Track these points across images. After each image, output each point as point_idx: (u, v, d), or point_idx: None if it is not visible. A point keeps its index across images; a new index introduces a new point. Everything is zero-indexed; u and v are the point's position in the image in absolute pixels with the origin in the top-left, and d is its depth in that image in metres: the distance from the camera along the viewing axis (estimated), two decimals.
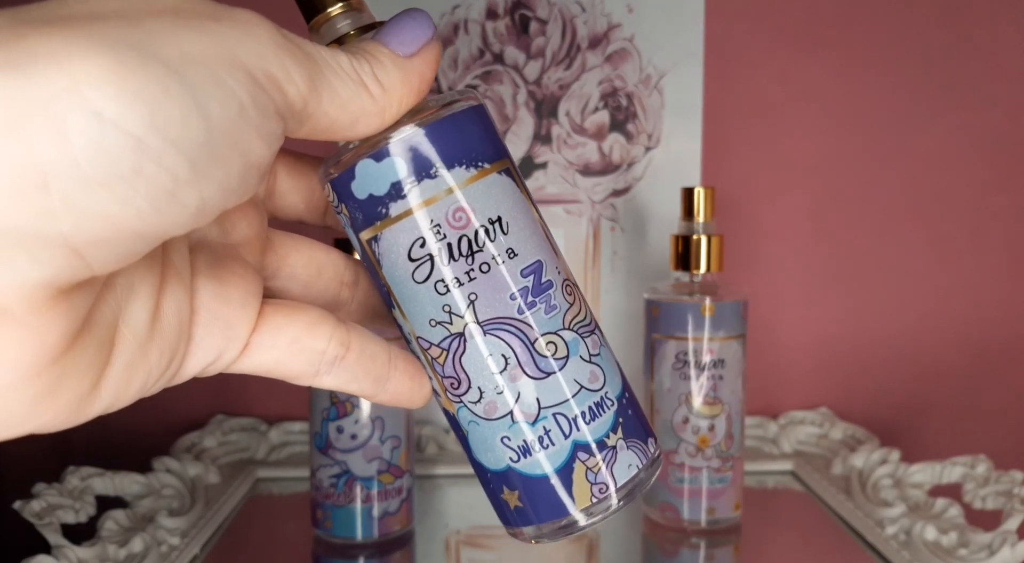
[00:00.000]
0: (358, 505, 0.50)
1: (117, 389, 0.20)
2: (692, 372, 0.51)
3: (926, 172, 0.70)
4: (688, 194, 0.53)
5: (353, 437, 0.50)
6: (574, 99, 0.67)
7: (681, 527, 0.53)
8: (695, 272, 0.53)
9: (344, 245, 0.49)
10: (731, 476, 0.53)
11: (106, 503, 0.53)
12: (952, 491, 0.56)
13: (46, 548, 0.46)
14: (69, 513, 0.50)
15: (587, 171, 0.68)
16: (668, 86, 0.67)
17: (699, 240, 0.52)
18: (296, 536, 0.54)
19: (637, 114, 0.67)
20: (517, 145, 0.67)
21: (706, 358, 0.51)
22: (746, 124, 0.70)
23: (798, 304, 0.71)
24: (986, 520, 0.52)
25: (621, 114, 0.67)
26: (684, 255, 0.53)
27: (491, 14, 0.67)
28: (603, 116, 0.67)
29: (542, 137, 0.67)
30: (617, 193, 0.68)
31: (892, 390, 0.72)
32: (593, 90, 0.67)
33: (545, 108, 0.67)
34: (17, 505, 0.49)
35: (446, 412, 0.26)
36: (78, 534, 0.49)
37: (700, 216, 0.53)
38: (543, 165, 0.68)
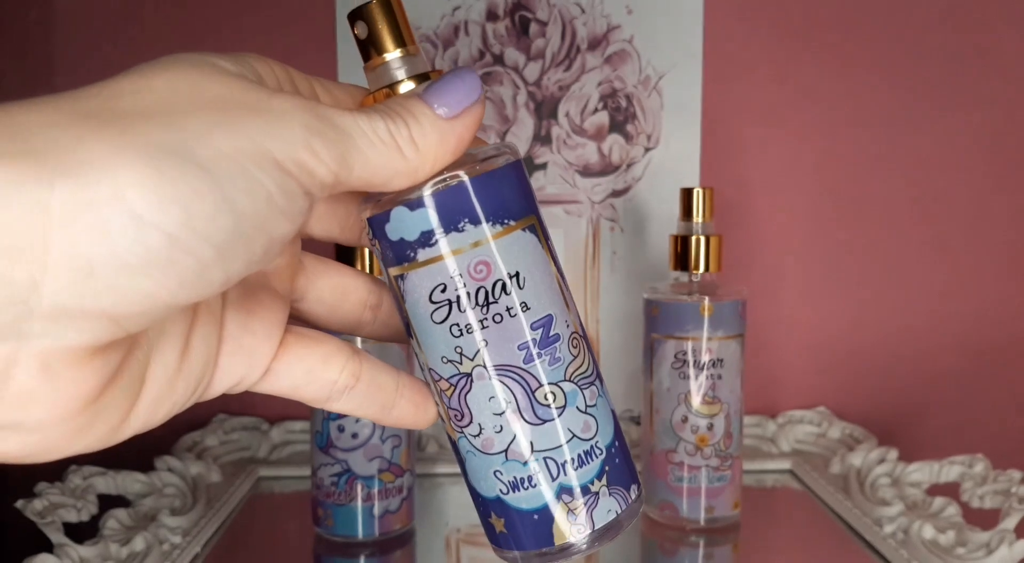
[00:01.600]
0: (359, 504, 0.50)
1: (147, 417, 0.22)
2: (691, 371, 0.52)
3: (925, 172, 0.71)
4: (687, 194, 0.53)
5: (354, 436, 0.50)
6: (574, 100, 0.67)
7: (680, 526, 0.53)
8: (694, 272, 0.53)
9: (346, 251, 0.50)
10: (730, 475, 0.53)
11: (108, 502, 0.54)
12: (950, 490, 0.56)
13: (48, 547, 0.46)
14: (71, 512, 0.50)
15: (587, 171, 0.68)
16: (667, 87, 0.67)
17: (698, 240, 0.52)
18: (297, 534, 0.54)
19: (636, 115, 0.68)
20: (517, 145, 0.67)
21: (705, 357, 0.51)
22: (745, 125, 0.70)
23: (796, 304, 0.71)
24: (984, 519, 0.52)
25: (620, 115, 0.68)
26: (683, 255, 0.53)
27: (491, 15, 0.67)
28: (603, 117, 0.68)
29: (542, 138, 0.68)
30: (616, 193, 0.68)
31: (890, 389, 0.72)
32: (593, 91, 0.67)
33: (545, 109, 0.67)
34: (19, 504, 0.49)
35: (449, 437, 0.28)
36: (80, 533, 0.49)
37: (699, 216, 0.53)
38: (543, 166, 0.68)
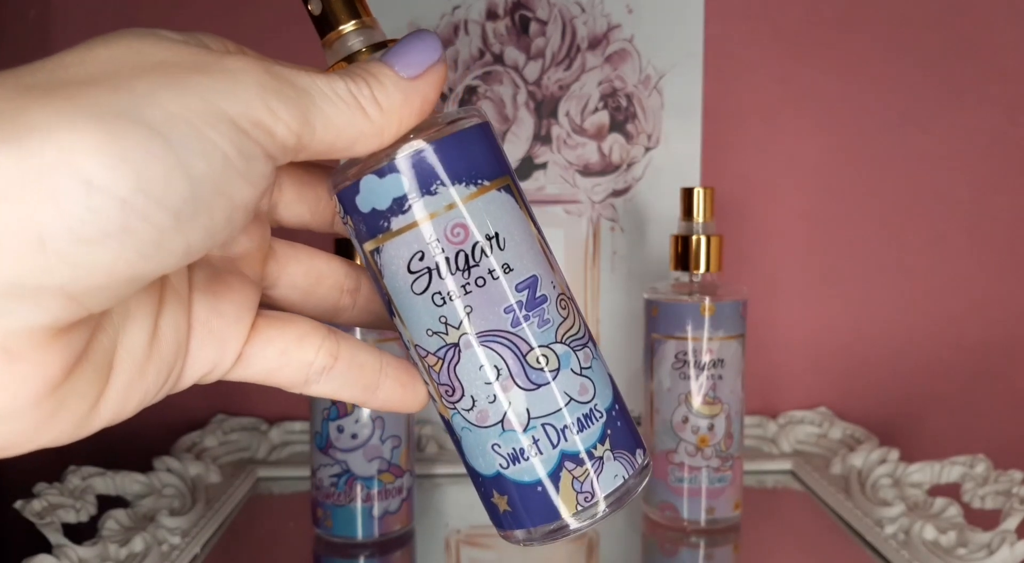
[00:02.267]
0: (358, 504, 0.50)
1: (117, 407, 0.21)
2: (691, 372, 0.51)
3: (925, 172, 0.71)
4: (687, 194, 0.53)
5: (353, 436, 0.50)
6: (574, 99, 0.67)
7: (681, 526, 0.53)
8: (694, 272, 0.53)
9: (346, 244, 0.50)
10: (730, 476, 0.53)
11: (107, 502, 0.54)
12: (951, 490, 0.56)
13: (47, 548, 0.46)
14: (70, 512, 0.50)
15: (587, 171, 0.68)
16: (668, 86, 0.67)
17: (699, 240, 0.52)
18: (296, 535, 0.54)
19: (637, 114, 0.67)
20: (517, 145, 0.67)
21: (705, 358, 0.51)
22: (745, 124, 0.70)
23: (797, 304, 0.71)
24: (985, 519, 0.52)
25: (621, 114, 0.67)
26: (683, 255, 0.53)
27: (491, 15, 0.67)
28: (603, 116, 0.67)
29: (542, 137, 0.67)
30: (617, 193, 0.68)
31: (891, 390, 0.72)
32: (593, 90, 0.67)
33: (545, 108, 0.67)
34: (18, 505, 0.49)
35: (442, 417, 0.27)
36: (79, 533, 0.49)
37: (699, 216, 0.53)
38: (543, 165, 0.68)
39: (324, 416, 0.50)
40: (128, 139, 0.17)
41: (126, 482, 0.55)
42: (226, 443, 0.65)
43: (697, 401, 0.52)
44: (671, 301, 0.52)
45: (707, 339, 0.51)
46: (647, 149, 0.68)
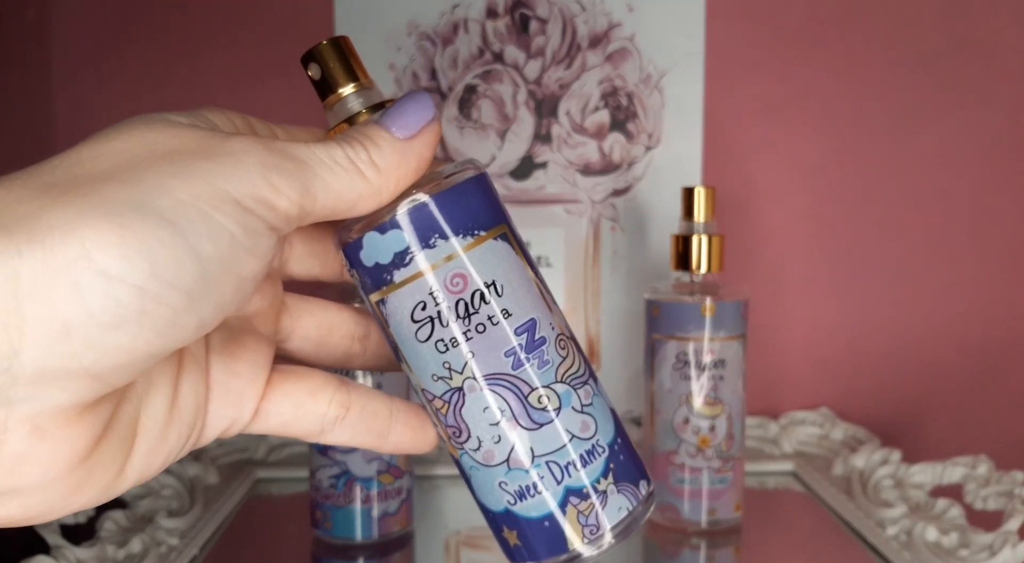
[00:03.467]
0: (358, 506, 0.50)
1: (141, 470, 0.23)
2: (693, 372, 0.51)
3: (926, 172, 0.70)
4: (688, 194, 0.53)
5: None
6: (574, 98, 0.67)
7: (682, 528, 0.53)
8: (695, 272, 0.52)
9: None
10: (732, 477, 0.52)
11: (105, 503, 0.53)
12: (953, 491, 0.56)
13: (45, 548, 0.46)
14: None
15: (587, 171, 0.68)
16: (669, 85, 0.67)
17: (699, 240, 0.52)
18: (295, 537, 0.54)
19: (637, 113, 0.67)
20: (517, 145, 0.67)
21: (707, 358, 0.51)
22: (747, 124, 0.69)
23: (799, 304, 0.71)
24: (987, 521, 0.52)
25: (621, 113, 0.67)
26: (684, 255, 0.53)
27: (491, 13, 0.66)
28: (603, 115, 0.67)
29: (542, 136, 0.67)
30: (617, 193, 0.68)
31: (893, 390, 0.72)
32: (593, 89, 0.67)
33: (545, 107, 0.67)
34: None
35: (452, 456, 0.28)
36: (77, 534, 0.49)
37: (700, 216, 0.53)
38: (543, 165, 0.67)
39: None
40: (141, 230, 0.19)
41: None
42: (225, 444, 0.65)
43: (698, 402, 0.51)
44: (672, 301, 0.52)
45: (708, 339, 0.51)
46: (648, 148, 0.67)
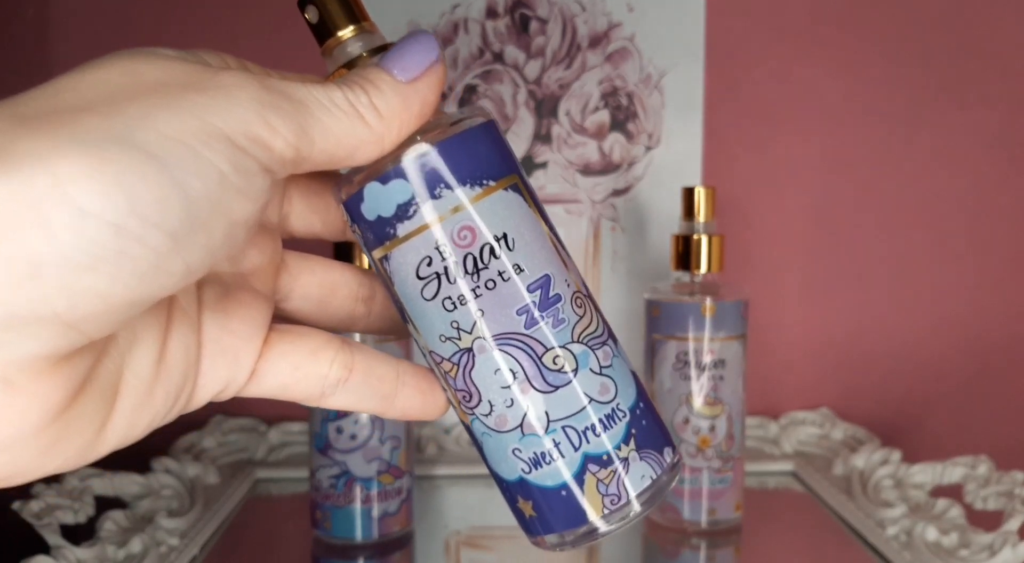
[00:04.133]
0: (357, 506, 0.50)
1: (124, 431, 0.21)
2: (693, 372, 0.51)
3: (927, 171, 0.70)
4: (689, 194, 0.53)
5: (352, 437, 0.49)
6: (574, 98, 0.67)
7: (682, 528, 0.53)
8: (695, 272, 0.52)
9: (345, 249, 0.49)
10: (732, 477, 0.52)
11: (105, 503, 0.53)
12: (953, 491, 0.56)
13: (45, 549, 0.46)
14: (68, 513, 0.50)
15: (587, 171, 0.68)
16: (669, 85, 0.67)
17: (699, 240, 0.52)
18: (295, 537, 0.54)
19: (638, 113, 0.67)
20: (517, 145, 0.67)
21: (707, 358, 0.51)
22: (747, 123, 0.69)
23: (799, 304, 0.71)
24: (987, 521, 0.52)
25: (621, 113, 0.67)
26: (684, 255, 0.52)
27: (491, 13, 0.66)
28: (603, 115, 0.67)
29: (542, 136, 0.67)
30: (617, 193, 0.68)
31: (893, 390, 0.72)
32: (593, 89, 0.67)
33: (545, 107, 0.67)
34: (16, 505, 0.49)
35: (463, 422, 0.26)
36: (77, 534, 0.49)
37: (701, 216, 0.53)
38: (543, 165, 0.67)
39: (323, 417, 0.50)
40: (121, 164, 0.17)
41: (124, 483, 0.55)
42: (224, 444, 0.65)
43: (698, 402, 0.51)
44: (672, 301, 0.52)
45: (708, 339, 0.51)
46: (648, 148, 0.67)
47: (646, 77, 0.67)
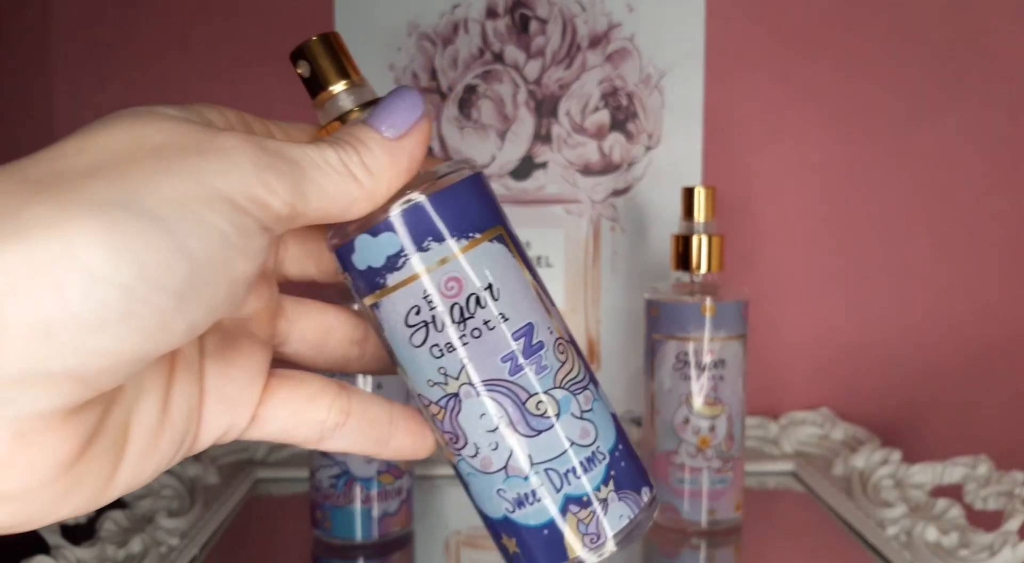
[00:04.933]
0: (358, 506, 0.50)
1: (131, 478, 0.22)
2: (693, 372, 0.51)
3: (927, 172, 0.70)
4: (688, 194, 0.53)
5: None
6: (574, 98, 0.67)
7: (681, 528, 0.53)
8: (695, 272, 0.52)
9: None
10: (732, 477, 0.52)
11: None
12: (953, 491, 0.56)
13: (45, 549, 0.46)
14: None
15: (587, 171, 0.68)
16: (669, 86, 0.67)
17: (699, 240, 0.52)
18: (295, 537, 0.54)
19: (637, 114, 0.67)
20: (517, 145, 0.67)
21: (707, 358, 0.51)
22: (747, 123, 0.69)
23: (799, 304, 0.71)
24: (987, 521, 0.52)
25: (621, 114, 0.67)
26: (684, 255, 0.52)
27: (491, 13, 0.66)
28: (603, 116, 0.67)
29: (542, 137, 0.67)
30: (617, 193, 0.68)
31: (893, 390, 0.72)
32: (593, 89, 0.67)
33: (545, 107, 0.67)
34: None
35: (449, 461, 0.27)
36: (77, 534, 0.49)
37: (700, 216, 0.53)
38: (543, 165, 0.67)
39: None
40: (128, 228, 0.18)
41: None
42: (225, 444, 0.65)
43: (698, 402, 0.51)
44: (672, 301, 0.52)
45: (708, 339, 0.51)
46: (648, 148, 0.67)
47: (646, 77, 0.67)
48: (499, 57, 0.67)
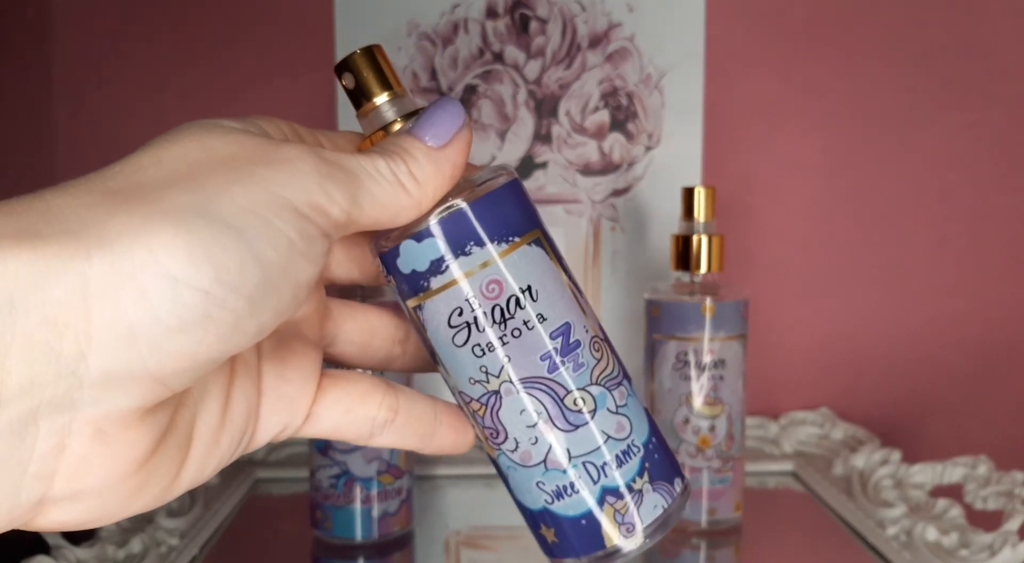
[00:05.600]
0: (358, 506, 0.50)
1: (195, 474, 0.23)
2: (693, 372, 0.51)
3: (927, 172, 0.70)
4: (688, 194, 0.53)
5: None
6: (574, 98, 0.67)
7: (681, 528, 0.53)
8: (695, 272, 0.52)
9: None
10: (732, 477, 0.52)
11: None
12: (953, 492, 0.56)
13: (45, 549, 0.46)
14: None
15: (587, 171, 0.68)
16: (669, 85, 0.67)
17: (699, 240, 0.52)
18: (295, 537, 0.54)
19: (637, 113, 0.67)
20: (517, 145, 0.67)
21: (707, 358, 0.51)
22: (746, 124, 0.69)
23: (799, 304, 0.71)
24: (987, 521, 0.52)
25: (621, 113, 0.67)
26: (684, 255, 0.52)
27: (491, 13, 0.66)
28: (603, 115, 0.67)
29: (542, 136, 0.67)
30: (617, 193, 0.68)
31: (893, 390, 0.72)
32: (593, 89, 0.67)
33: (545, 107, 0.67)
34: None
35: (489, 456, 0.28)
36: (77, 534, 0.49)
37: (700, 216, 0.53)
38: (543, 165, 0.67)
39: None
40: (206, 236, 0.19)
41: None
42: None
43: (698, 402, 0.51)
44: (672, 301, 0.52)
45: (708, 339, 0.51)
46: (648, 148, 0.67)
47: (646, 77, 0.67)
48: (499, 57, 0.67)
